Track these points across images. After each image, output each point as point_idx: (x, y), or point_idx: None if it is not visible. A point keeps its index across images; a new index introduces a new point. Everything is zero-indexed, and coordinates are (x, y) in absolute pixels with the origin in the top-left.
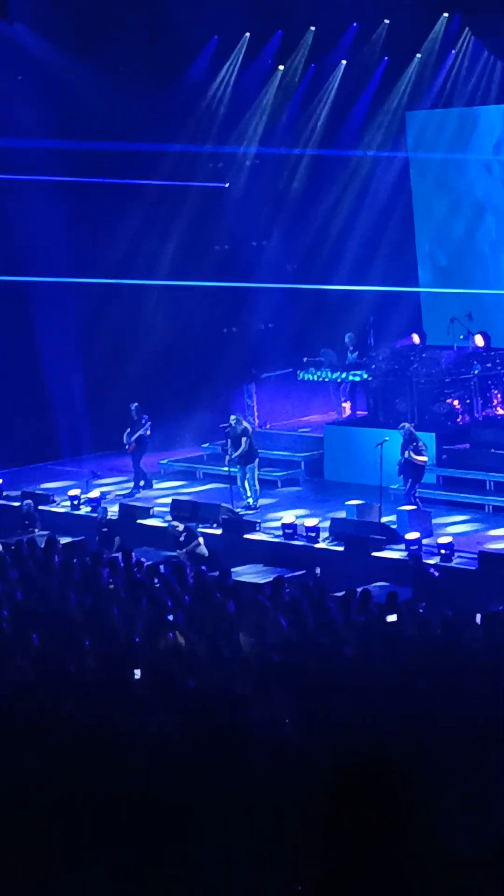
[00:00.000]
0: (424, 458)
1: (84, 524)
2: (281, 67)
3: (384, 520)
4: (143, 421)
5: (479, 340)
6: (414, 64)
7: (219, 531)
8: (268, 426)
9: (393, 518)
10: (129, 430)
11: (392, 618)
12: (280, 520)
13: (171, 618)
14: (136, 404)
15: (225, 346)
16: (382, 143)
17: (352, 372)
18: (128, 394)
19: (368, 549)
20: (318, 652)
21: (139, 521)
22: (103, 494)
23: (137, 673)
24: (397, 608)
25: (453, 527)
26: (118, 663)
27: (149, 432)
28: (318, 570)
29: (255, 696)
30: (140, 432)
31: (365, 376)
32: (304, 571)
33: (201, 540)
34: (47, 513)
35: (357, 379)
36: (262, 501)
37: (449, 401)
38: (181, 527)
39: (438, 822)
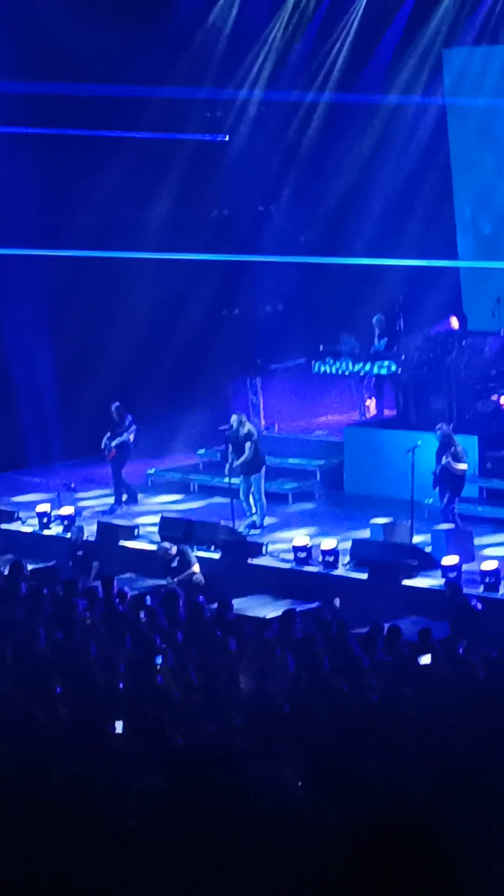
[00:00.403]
0: (464, 467)
1: (56, 546)
2: None
3: (416, 541)
4: (126, 423)
5: None
6: None
7: (217, 555)
8: (276, 428)
9: (427, 539)
10: (108, 433)
11: (426, 659)
12: (291, 541)
13: (159, 659)
14: (117, 403)
15: (224, 331)
16: (414, 86)
17: (378, 363)
18: (107, 390)
19: (397, 576)
20: (336, 700)
21: (122, 542)
22: (78, 511)
23: (119, 725)
24: (432, 648)
25: (499, 549)
26: (96, 713)
27: (132, 436)
28: (336, 602)
29: (260, 752)
30: (122, 437)
31: (393, 368)
32: (319, 604)
33: (196, 566)
34: (11, 532)
35: (384, 371)
36: (269, 519)
37: (494, 397)
38: (173, 549)
39: None
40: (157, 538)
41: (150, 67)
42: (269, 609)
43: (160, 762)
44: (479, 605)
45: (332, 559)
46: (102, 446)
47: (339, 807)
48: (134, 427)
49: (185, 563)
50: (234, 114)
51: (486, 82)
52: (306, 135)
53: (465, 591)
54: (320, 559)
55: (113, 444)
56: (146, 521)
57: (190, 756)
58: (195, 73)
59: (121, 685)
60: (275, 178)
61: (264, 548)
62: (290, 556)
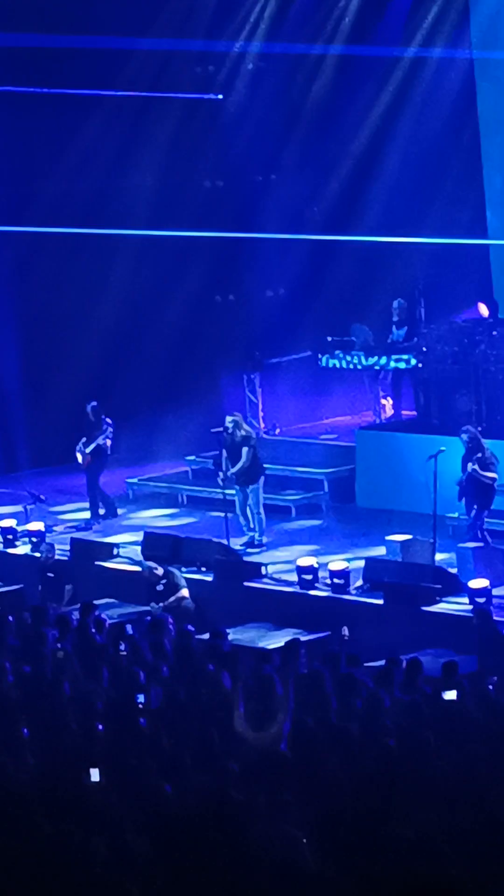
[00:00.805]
0: (494, 476)
1: (23, 567)
2: None
3: (439, 560)
4: (104, 426)
5: None
6: None
7: (210, 577)
8: (277, 432)
9: (452, 558)
10: (83, 438)
11: (450, 696)
12: (294, 561)
13: (141, 698)
14: (93, 403)
15: (219, 320)
16: (436, 38)
17: (395, 356)
18: (82, 388)
19: (417, 601)
20: (347, 746)
21: (98, 562)
22: (49, 526)
23: (95, 773)
24: (458, 684)
25: None
26: (69, 759)
27: (110, 441)
28: (346, 632)
29: (260, 807)
30: (98, 441)
31: (413, 362)
32: (327, 633)
33: (186, 590)
34: None
35: (402, 366)
36: (269, 536)
37: None
38: (159, 571)
39: None
40: (141, 558)
41: (130, 14)
42: (269, 639)
43: (143, 819)
44: None
45: (341, 582)
46: (76, 452)
47: (352, 870)
48: (111, 430)
49: (173, 586)
50: (230, 69)
51: None
52: (312, 94)
53: (496, 618)
54: (328, 582)
55: (88, 449)
56: (127, 539)
57: (178, 812)
58: (185, 23)
59: (99, 727)
60: (276, 144)
61: (264, 569)
62: (294, 578)
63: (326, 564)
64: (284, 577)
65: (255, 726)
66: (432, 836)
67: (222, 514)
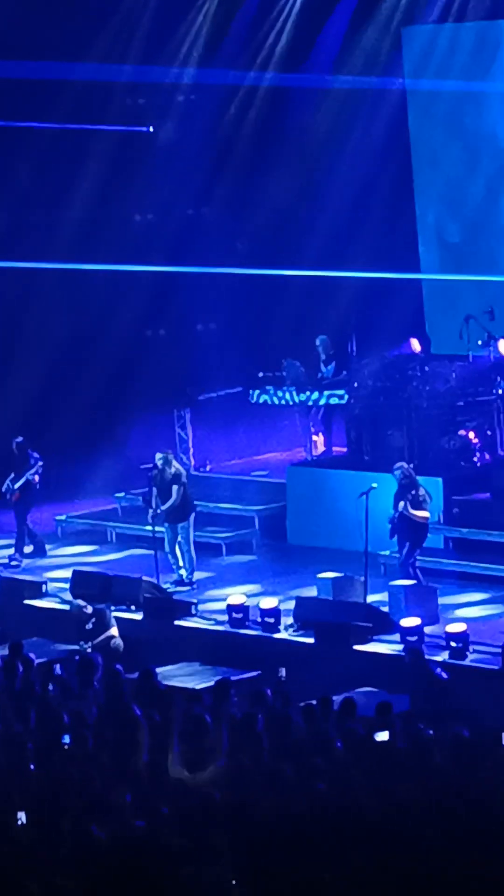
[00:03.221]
0: (427, 515)
1: None
2: None
3: (371, 599)
4: (32, 461)
5: (503, 347)
6: None
7: (139, 615)
8: (208, 468)
9: (384, 597)
10: (12, 474)
11: (383, 736)
12: (225, 600)
13: (66, 738)
14: (19, 438)
15: (148, 354)
16: (369, 68)
17: (326, 392)
18: (9, 422)
19: (349, 640)
20: (278, 787)
21: (26, 601)
22: None
23: (22, 816)
24: (390, 724)
25: (467, 609)
26: None
27: (38, 477)
28: (282, 672)
29: (189, 849)
30: (27, 476)
31: (345, 398)
32: (258, 673)
33: (115, 629)
34: None
35: (334, 402)
36: (199, 574)
37: (462, 432)
38: (88, 609)
39: None
40: (69, 596)
41: (63, 44)
42: (199, 679)
43: (71, 860)
44: (445, 675)
45: (272, 621)
46: (3, 489)
47: None
48: (40, 465)
49: (102, 625)
50: (161, 101)
51: (453, 65)
52: (244, 127)
53: (428, 657)
54: (259, 620)
55: (17, 485)
56: (56, 576)
57: (107, 853)
58: (115, 52)
59: (31, 767)
60: (208, 177)
61: (194, 607)
62: (224, 617)
63: (258, 603)
64: (215, 616)
65: (189, 768)
66: (361, 879)
67: (152, 552)
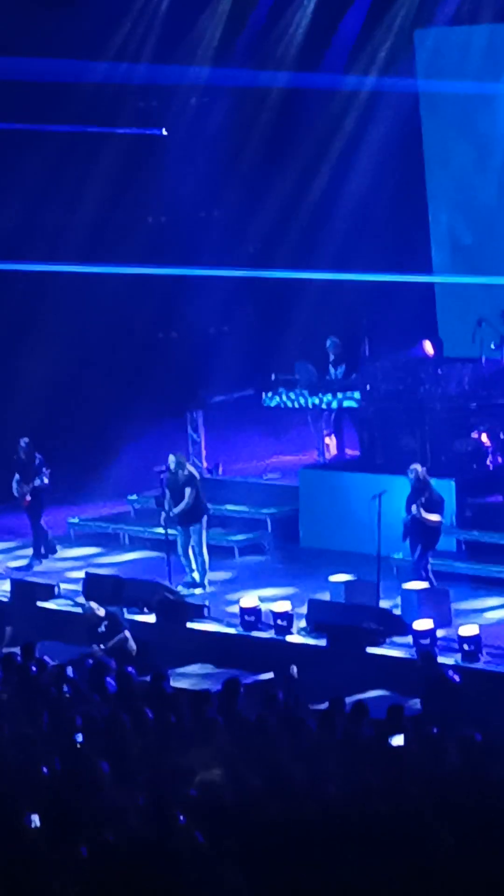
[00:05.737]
0: (439, 518)
1: None
2: None
3: (383, 603)
4: (38, 464)
5: None
6: None
7: (152, 618)
8: (220, 471)
9: (396, 600)
10: (17, 476)
11: (398, 741)
12: (237, 602)
13: (79, 737)
14: (26, 439)
15: (160, 357)
16: (382, 71)
17: (339, 394)
18: (21, 425)
19: (361, 643)
20: (288, 790)
21: (39, 603)
22: None
23: (35, 819)
24: (402, 727)
25: (480, 612)
26: (6, 805)
27: (47, 480)
28: (293, 670)
29: (198, 853)
30: (38, 480)
31: (357, 399)
32: (270, 675)
33: (127, 632)
34: None
35: (347, 404)
36: (212, 576)
37: (475, 435)
38: (102, 612)
39: None
40: (82, 599)
41: (73, 48)
42: (211, 681)
43: (83, 864)
44: (457, 678)
45: (284, 623)
46: (13, 490)
47: None
48: (48, 470)
49: (115, 627)
50: (173, 103)
51: (466, 67)
52: (256, 128)
53: (441, 660)
54: (271, 623)
55: (28, 488)
56: (68, 578)
57: (119, 857)
58: (127, 56)
59: (45, 770)
60: (220, 179)
61: (206, 610)
62: (237, 619)
63: (270, 606)
64: (227, 618)
65: (197, 769)
66: (375, 885)
67: (164, 555)
